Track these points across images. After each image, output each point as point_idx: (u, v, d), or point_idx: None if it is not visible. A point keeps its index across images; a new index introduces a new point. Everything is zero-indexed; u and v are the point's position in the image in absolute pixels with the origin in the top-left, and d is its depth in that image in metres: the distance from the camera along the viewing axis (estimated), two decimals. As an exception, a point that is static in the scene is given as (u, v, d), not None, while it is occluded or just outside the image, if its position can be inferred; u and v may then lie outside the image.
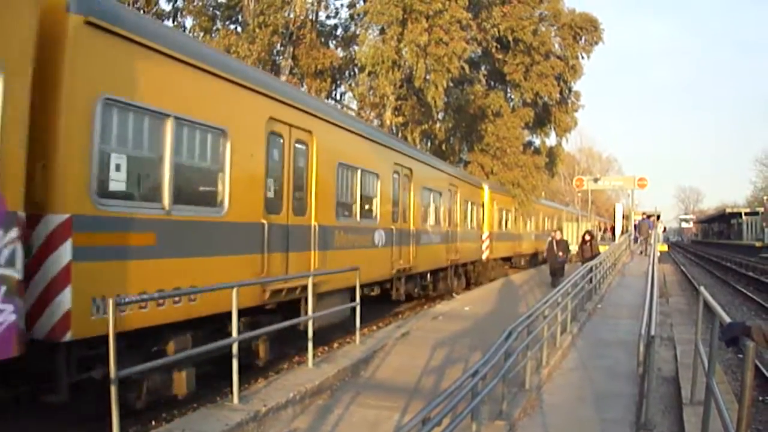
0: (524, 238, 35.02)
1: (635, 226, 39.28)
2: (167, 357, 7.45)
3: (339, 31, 30.29)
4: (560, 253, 22.21)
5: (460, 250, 22.14)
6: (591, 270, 17.44)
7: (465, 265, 23.86)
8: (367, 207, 14.29)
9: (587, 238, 24.01)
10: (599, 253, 22.57)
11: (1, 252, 5.57)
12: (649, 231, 36.90)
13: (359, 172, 13.63)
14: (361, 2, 27.52)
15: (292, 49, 26.15)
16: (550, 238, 23.60)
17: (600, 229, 45.22)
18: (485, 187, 27.38)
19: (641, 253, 36.85)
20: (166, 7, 25.42)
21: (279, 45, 26.24)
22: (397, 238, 15.87)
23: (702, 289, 8.08)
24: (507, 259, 32.01)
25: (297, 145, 10.90)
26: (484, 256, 26.50)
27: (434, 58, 24.80)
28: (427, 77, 25.33)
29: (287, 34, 25.62)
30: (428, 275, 19.20)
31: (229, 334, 7.76)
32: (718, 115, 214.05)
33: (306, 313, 9.92)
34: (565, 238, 25.06)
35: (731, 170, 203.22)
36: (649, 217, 41.92)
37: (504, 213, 30.18)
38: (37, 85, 6.05)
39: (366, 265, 12.89)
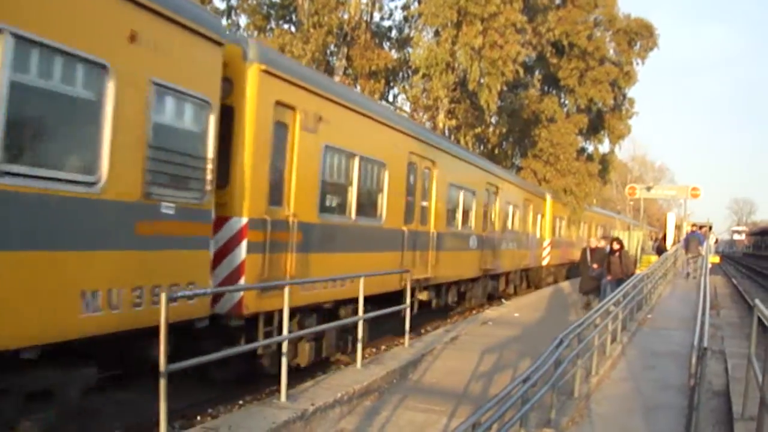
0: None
1: (685, 239, 32.10)
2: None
3: (393, 33, 30.35)
4: (594, 266, 17.23)
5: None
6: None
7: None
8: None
9: (615, 246, 17.02)
10: (634, 272, 17.16)
11: None
12: (699, 248, 29.53)
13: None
14: (416, 4, 27.58)
15: (346, 50, 26.29)
16: (584, 247, 18.93)
17: (652, 239, 43.87)
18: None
19: (687, 275, 29.61)
20: (221, 5, 25.80)
21: (333, 45, 26.39)
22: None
23: (757, 302, 7.96)
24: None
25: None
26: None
27: (488, 62, 24.69)
28: (481, 80, 25.20)
29: (341, 34, 25.74)
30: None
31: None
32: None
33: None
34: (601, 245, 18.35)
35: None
36: (700, 228, 37.28)
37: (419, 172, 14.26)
38: None
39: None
